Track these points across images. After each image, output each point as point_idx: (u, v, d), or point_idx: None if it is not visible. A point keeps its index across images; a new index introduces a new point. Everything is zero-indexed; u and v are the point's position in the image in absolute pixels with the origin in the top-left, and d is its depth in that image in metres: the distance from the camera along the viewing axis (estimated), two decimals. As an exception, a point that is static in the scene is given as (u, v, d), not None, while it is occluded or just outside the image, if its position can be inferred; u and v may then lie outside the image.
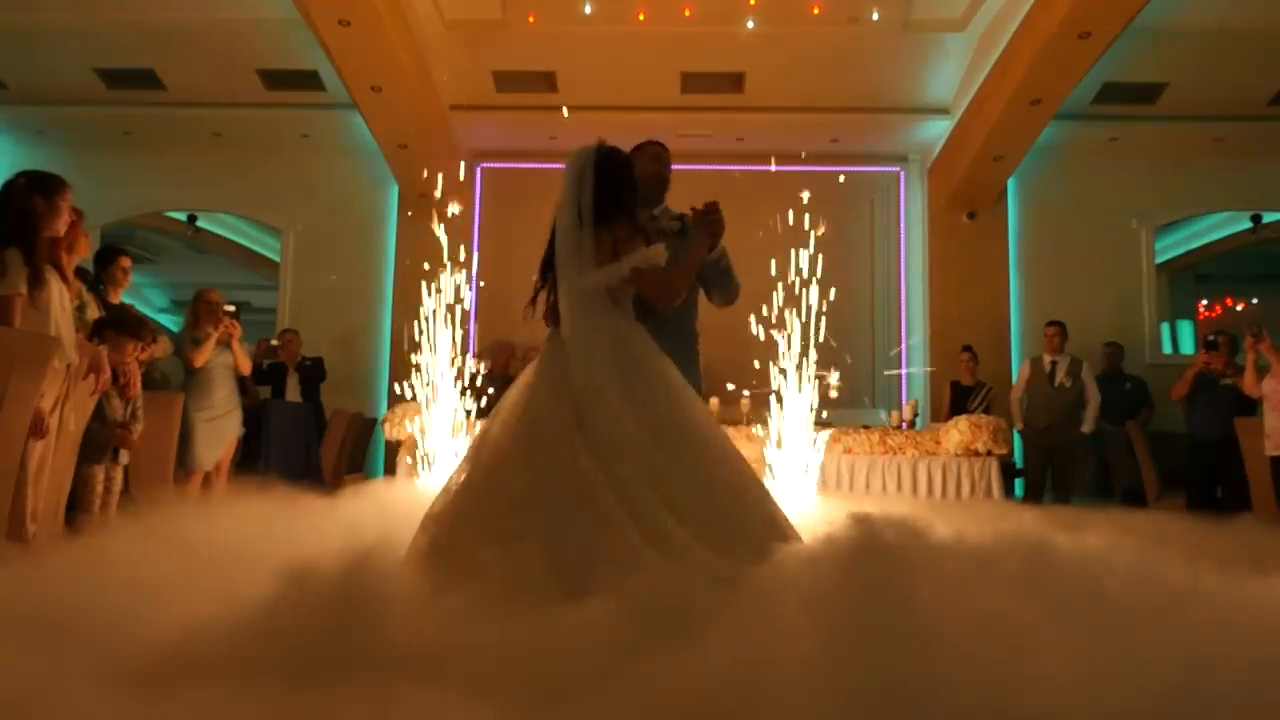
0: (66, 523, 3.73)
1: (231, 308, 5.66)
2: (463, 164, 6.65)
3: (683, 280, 2.79)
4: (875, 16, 6.73)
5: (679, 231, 3.01)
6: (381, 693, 1.43)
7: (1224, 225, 9.52)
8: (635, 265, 2.60)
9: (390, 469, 6.82)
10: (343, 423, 7.34)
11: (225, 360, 5.47)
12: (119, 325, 4.07)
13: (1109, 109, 7.85)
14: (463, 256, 5.59)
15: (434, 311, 5.49)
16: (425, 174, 6.16)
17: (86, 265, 4.71)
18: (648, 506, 2.16)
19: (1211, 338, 6.42)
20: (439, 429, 5.60)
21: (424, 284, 5.47)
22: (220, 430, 5.40)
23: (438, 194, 5.50)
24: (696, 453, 2.37)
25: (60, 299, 3.32)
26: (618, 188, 2.74)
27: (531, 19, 6.89)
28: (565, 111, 5.92)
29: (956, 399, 7.42)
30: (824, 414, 5.65)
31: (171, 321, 13.02)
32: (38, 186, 3.24)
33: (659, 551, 2.04)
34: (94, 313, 4.17)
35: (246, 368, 5.67)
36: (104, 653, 1.66)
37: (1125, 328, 8.24)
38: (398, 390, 5.49)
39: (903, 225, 8.85)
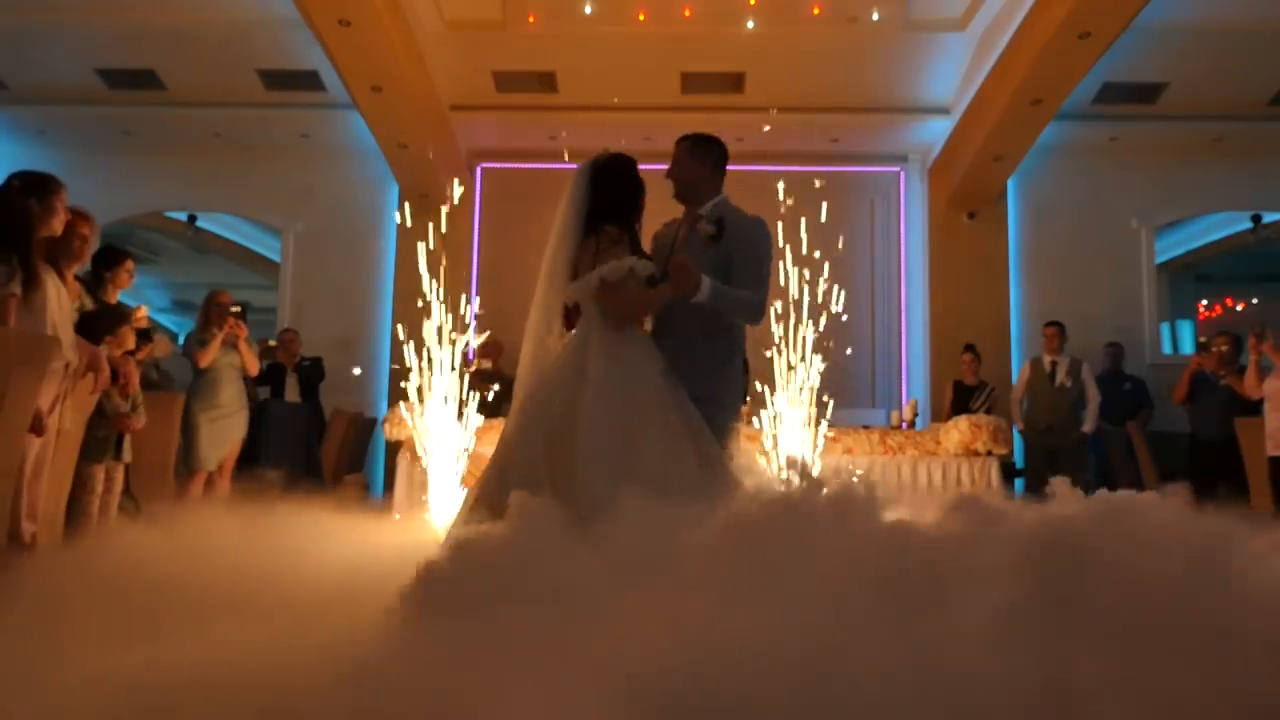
0: (66, 522, 3.73)
1: (237, 308, 5.66)
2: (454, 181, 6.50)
3: (636, 312, 2.78)
4: (875, 16, 6.72)
5: (713, 236, 2.87)
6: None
7: (1224, 225, 9.51)
8: (603, 277, 2.68)
9: (390, 469, 6.81)
10: (343, 423, 7.34)
11: (231, 360, 5.48)
12: (104, 322, 4.05)
13: (1109, 109, 7.84)
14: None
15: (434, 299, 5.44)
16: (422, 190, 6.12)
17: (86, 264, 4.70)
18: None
19: (1204, 339, 6.45)
20: (437, 429, 5.59)
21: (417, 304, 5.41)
22: (225, 430, 5.41)
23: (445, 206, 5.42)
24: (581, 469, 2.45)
25: (58, 299, 3.33)
26: (616, 194, 2.83)
27: (531, 19, 6.89)
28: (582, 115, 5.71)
29: (959, 399, 7.41)
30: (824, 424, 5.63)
31: (171, 321, 13.01)
32: (32, 188, 3.25)
33: None
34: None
35: (254, 368, 5.68)
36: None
37: (1125, 328, 8.24)
38: (402, 385, 5.46)
39: (903, 225, 8.85)
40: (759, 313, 2.96)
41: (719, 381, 2.92)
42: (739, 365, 3.06)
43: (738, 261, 2.88)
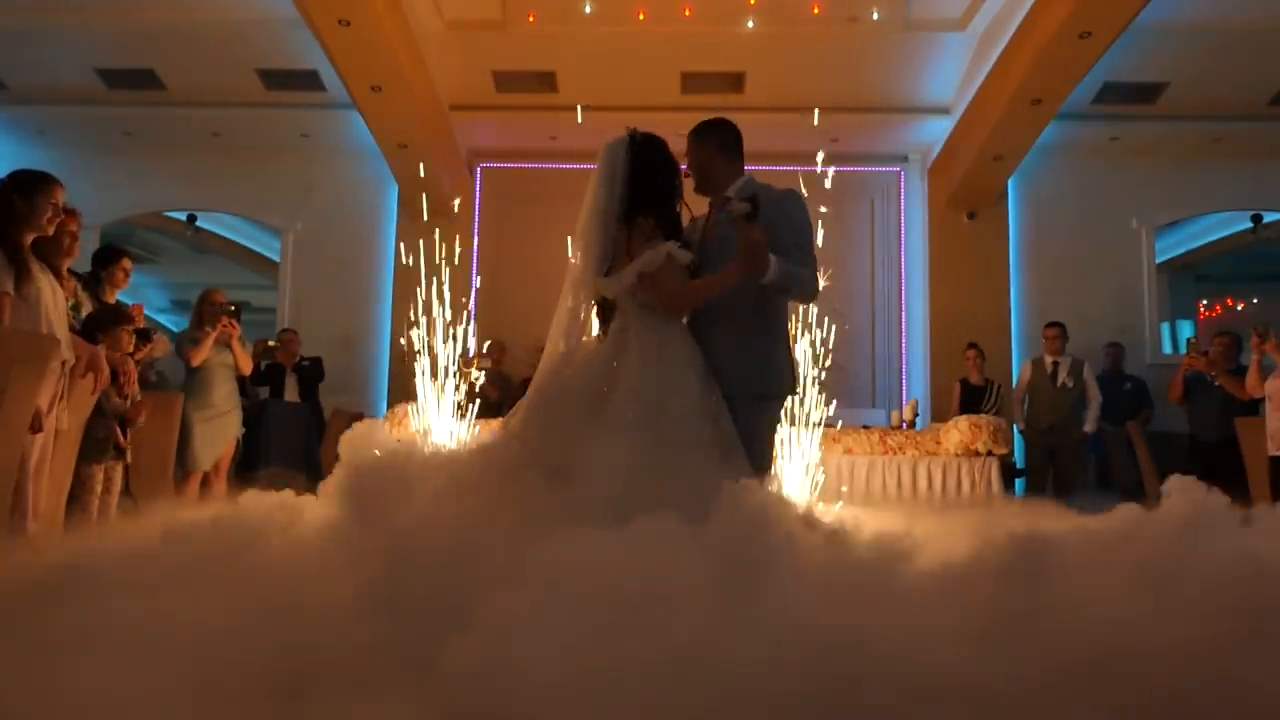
0: (65, 522, 3.73)
1: (232, 307, 5.64)
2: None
3: (693, 300, 2.64)
4: (875, 16, 6.73)
5: (749, 215, 2.61)
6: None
7: (1224, 225, 9.52)
8: (640, 270, 2.54)
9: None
10: (343, 423, 7.30)
11: (225, 360, 5.46)
12: (103, 322, 4.05)
13: (1109, 109, 7.84)
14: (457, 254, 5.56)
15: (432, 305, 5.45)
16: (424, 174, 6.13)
17: (84, 264, 4.70)
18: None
19: (1190, 339, 6.52)
20: (438, 429, 5.58)
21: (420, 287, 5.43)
22: (218, 430, 5.39)
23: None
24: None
25: (53, 297, 3.32)
26: (650, 175, 2.67)
27: (531, 19, 6.89)
28: (580, 117, 5.80)
29: (967, 399, 7.40)
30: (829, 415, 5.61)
31: (171, 321, 13.02)
32: (17, 185, 3.25)
33: None
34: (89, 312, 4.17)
35: (247, 367, 5.66)
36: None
37: (1125, 328, 8.24)
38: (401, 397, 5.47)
39: (903, 225, 8.85)
40: (816, 288, 2.75)
41: (765, 371, 2.71)
42: (785, 352, 2.81)
43: (778, 238, 2.64)
